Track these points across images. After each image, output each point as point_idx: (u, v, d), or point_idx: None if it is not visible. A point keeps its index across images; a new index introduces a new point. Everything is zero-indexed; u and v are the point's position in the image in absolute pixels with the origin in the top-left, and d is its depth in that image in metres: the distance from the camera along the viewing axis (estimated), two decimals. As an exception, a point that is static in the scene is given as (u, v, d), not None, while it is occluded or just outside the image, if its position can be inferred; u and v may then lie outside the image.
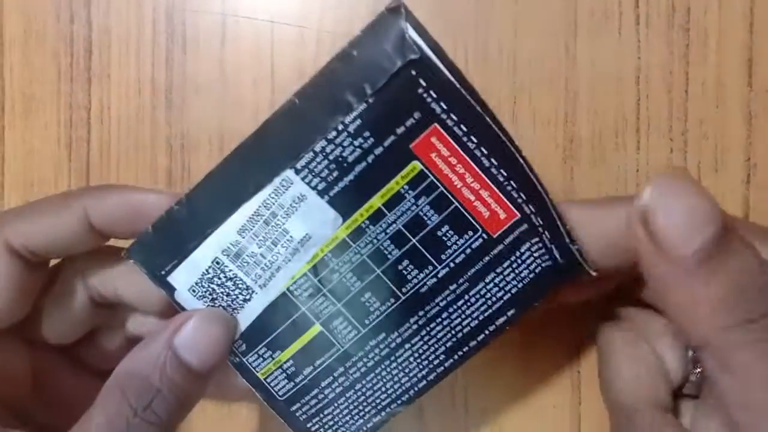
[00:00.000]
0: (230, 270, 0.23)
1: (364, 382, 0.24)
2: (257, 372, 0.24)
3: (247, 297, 0.23)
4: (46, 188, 0.31)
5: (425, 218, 0.22)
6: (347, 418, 0.25)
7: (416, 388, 0.24)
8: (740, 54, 0.29)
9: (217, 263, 0.23)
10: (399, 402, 0.24)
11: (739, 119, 0.29)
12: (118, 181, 0.31)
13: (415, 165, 0.22)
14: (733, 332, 0.19)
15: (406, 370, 0.24)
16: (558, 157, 0.30)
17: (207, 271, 0.23)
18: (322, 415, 0.25)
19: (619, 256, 0.21)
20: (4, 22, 0.32)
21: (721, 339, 0.19)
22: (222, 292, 0.23)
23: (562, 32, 0.30)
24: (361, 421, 0.25)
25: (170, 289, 0.23)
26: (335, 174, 0.22)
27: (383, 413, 0.25)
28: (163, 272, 0.23)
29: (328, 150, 0.22)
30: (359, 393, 0.24)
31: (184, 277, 0.23)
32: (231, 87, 0.31)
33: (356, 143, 0.21)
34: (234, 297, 0.23)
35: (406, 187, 0.22)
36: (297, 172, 0.22)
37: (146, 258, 0.23)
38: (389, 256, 0.23)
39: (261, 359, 0.24)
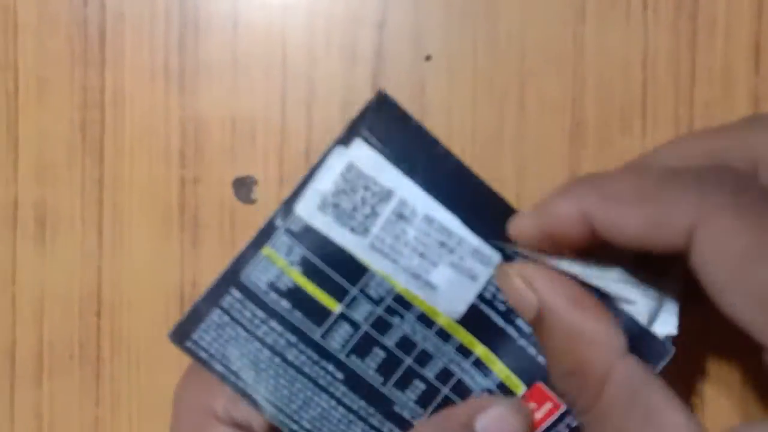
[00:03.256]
0: (384, 211, 0.22)
1: (286, 367, 0.23)
2: (267, 245, 0.22)
3: (358, 232, 0.22)
4: (60, 171, 0.32)
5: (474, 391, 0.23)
6: (245, 358, 0.23)
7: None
8: (748, 40, 0.30)
9: (387, 195, 0.22)
10: (279, 412, 0.23)
11: (745, 105, 0.30)
12: (132, 164, 0.31)
13: (519, 387, 0.23)
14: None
15: (311, 411, 0.23)
16: (565, 141, 0.30)
17: (373, 184, 0.22)
18: (227, 330, 0.23)
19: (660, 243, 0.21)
20: (18, 6, 0.32)
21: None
22: (352, 207, 0.22)
23: (570, 19, 0.30)
24: (247, 377, 0.23)
25: (349, 138, 0.22)
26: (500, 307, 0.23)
27: (260, 401, 0.23)
28: (356, 134, 0.22)
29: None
30: (278, 360, 0.23)
31: (360, 152, 0.22)
32: (243, 72, 0.31)
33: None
34: (354, 220, 0.22)
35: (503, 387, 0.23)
36: (504, 261, 0.23)
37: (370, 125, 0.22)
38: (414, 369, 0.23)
39: (287, 250, 0.22)
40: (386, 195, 0.22)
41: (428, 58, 0.31)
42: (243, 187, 0.31)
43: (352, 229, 0.22)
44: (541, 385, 0.23)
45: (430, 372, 0.23)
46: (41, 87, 0.32)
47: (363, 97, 0.31)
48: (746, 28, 0.30)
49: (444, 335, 0.23)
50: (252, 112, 0.31)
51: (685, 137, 0.25)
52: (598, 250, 0.22)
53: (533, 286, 0.21)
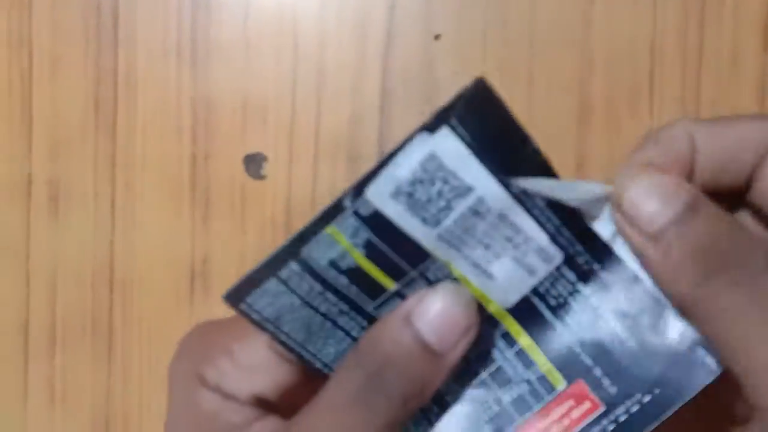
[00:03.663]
0: (459, 206, 0.20)
1: (336, 330, 0.23)
2: (333, 224, 0.21)
3: (429, 223, 0.21)
4: (73, 147, 0.32)
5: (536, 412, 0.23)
6: (297, 322, 0.23)
7: None
8: (756, 19, 0.30)
9: (466, 191, 0.20)
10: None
11: (752, 84, 0.30)
12: (144, 140, 0.32)
13: (560, 382, 0.23)
14: (701, 287, 0.20)
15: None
16: (572, 122, 0.31)
17: (453, 179, 0.20)
18: (282, 298, 0.22)
19: (730, 174, 0.21)
20: (33, -15, 0.32)
21: (692, 295, 0.20)
22: (426, 198, 0.20)
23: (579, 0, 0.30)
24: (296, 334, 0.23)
25: (436, 125, 0.20)
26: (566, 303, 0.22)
27: (308, 357, 0.23)
28: (444, 121, 0.20)
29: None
30: (328, 325, 0.23)
31: (445, 143, 0.20)
32: (254, 54, 0.32)
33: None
34: (427, 211, 0.21)
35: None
36: (565, 261, 0.22)
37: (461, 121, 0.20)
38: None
39: (353, 232, 0.21)
40: (465, 191, 0.20)
41: (437, 37, 0.31)
42: (253, 163, 0.32)
43: (424, 220, 0.21)
44: (582, 382, 0.22)
45: (471, 353, 0.23)
46: (55, 65, 0.32)
47: (373, 76, 0.31)
48: (755, 6, 0.30)
49: (491, 321, 0.22)
50: (263, 90, 0.32)
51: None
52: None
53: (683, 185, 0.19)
